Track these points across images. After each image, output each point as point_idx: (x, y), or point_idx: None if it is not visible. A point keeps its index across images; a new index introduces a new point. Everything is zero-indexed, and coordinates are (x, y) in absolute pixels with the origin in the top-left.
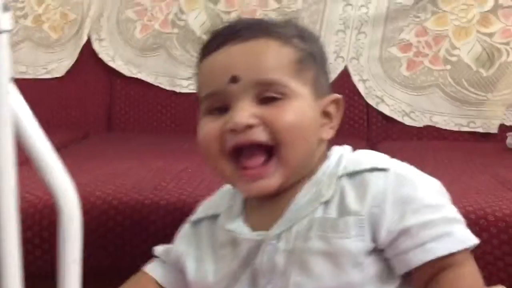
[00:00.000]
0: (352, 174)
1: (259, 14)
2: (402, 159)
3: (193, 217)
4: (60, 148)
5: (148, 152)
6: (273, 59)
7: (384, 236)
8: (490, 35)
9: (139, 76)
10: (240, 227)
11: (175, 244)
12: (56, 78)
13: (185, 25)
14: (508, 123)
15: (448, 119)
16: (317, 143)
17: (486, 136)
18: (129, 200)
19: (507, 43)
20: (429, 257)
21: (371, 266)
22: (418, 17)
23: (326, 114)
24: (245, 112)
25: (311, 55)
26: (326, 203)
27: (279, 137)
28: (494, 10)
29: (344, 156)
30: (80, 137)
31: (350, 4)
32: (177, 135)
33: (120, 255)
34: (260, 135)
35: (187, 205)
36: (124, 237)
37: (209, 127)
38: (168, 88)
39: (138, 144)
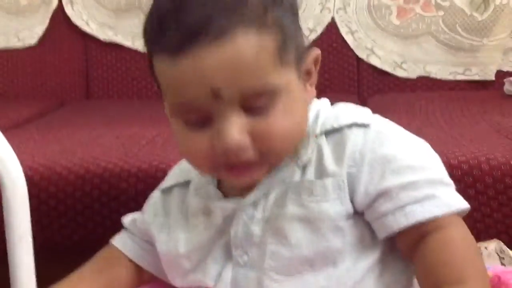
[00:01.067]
0: (330, 132)
1: None
2: (393, 112)
3: (163, 184)
4: (34, 118)
5: (123, 119)
6: (255, 60)
7: (361, 198)
8: None
9: (114, 39)
10: (212, 194)
11: (143, 213)
12: (30, 46)
13: None
14: (505, 69)
15: (443, 68)
16: None
17: (483, 83)
18: (96, 168)
19: None
20: (409, 221)
21: (352, 231)
22: None
23: (306, 72)
24: (235, 129)
25: (288, 28)
26: (304, 166)
27: (272, 147)
28: None
29: (322, 112)
30: (56, 106)
31: None
32: (158, 100)
33: (90, 227)
34: (253, 156)
35: (159, 171)
36: (94, 208)
37: (195, 142)
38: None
39: (114, 111)
